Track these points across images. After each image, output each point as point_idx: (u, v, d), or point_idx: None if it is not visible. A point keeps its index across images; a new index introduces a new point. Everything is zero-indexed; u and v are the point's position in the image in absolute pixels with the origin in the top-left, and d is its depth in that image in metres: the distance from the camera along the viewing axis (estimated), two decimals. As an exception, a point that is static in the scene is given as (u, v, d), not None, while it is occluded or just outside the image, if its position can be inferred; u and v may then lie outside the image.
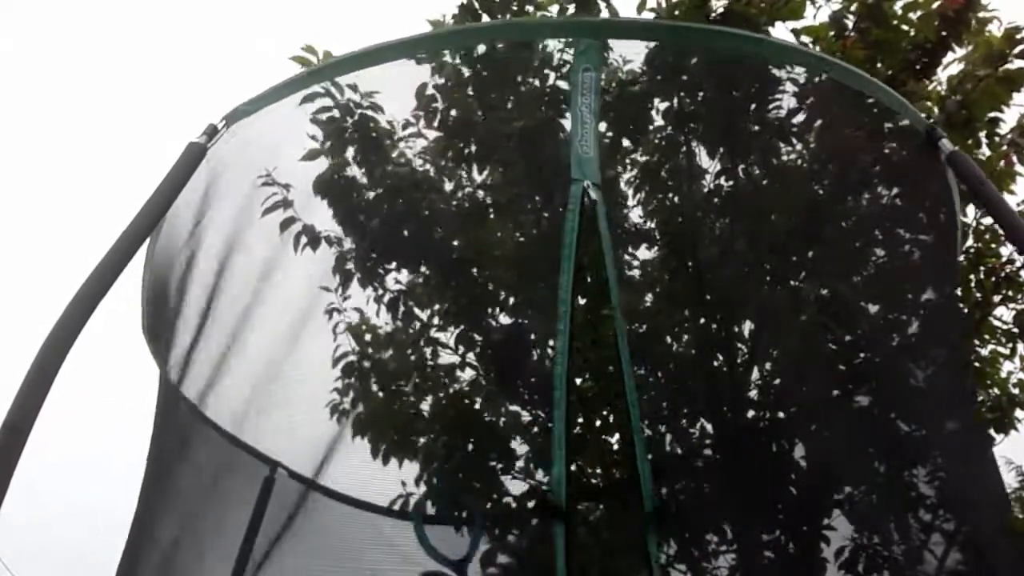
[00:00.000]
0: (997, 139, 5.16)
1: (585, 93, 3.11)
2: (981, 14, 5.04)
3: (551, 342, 2.96)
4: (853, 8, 4.93)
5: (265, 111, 3.01)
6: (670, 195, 5.13)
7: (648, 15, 4.89)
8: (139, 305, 2.79)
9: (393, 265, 4.88)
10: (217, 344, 3.16)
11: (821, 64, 3.73)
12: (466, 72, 4.67)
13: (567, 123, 3.27)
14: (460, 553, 3.57)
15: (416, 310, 4.98)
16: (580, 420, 5.12)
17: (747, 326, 4.95)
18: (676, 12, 4.68)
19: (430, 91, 4.65)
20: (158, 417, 2.89)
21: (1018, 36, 4.78)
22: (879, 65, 4.91)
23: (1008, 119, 5.13)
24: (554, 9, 5.01)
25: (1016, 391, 5.55)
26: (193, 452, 3.24)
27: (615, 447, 5.20)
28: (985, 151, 5.16)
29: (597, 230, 3.00)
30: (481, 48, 4.64)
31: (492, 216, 5.04)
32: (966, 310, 5.45)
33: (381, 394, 4.80)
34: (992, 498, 3.59)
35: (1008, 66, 4.78)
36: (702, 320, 5.04)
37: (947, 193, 3.39)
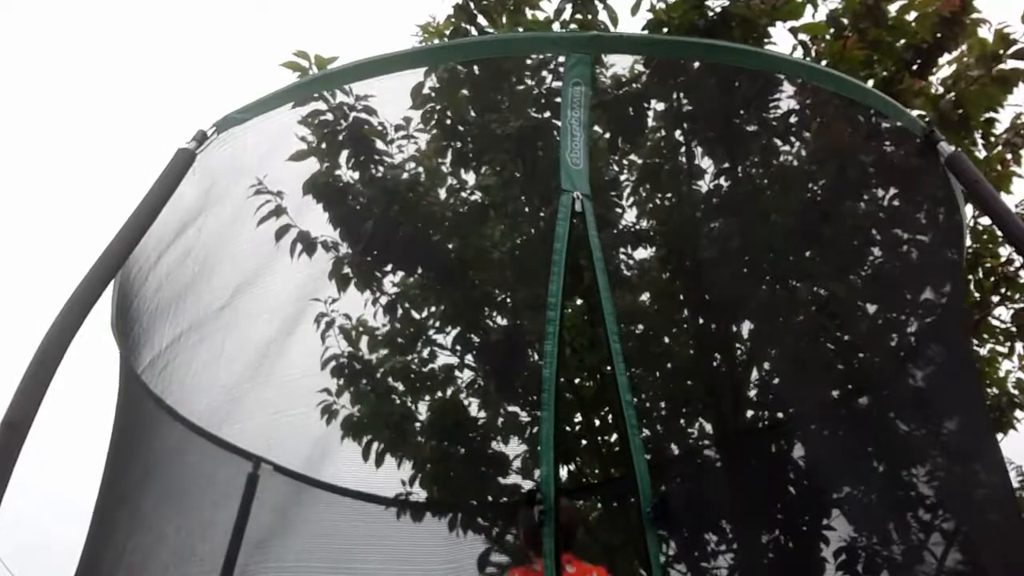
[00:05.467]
0: (993, 139, 5.17)
1: (575, 107, 3.10)
2: (973, 15, 5.05)
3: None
4: (853, 9, 4.94)
5: (258, 123, 3.02)
6: (668, 195, 5.15)
7: (645, 16, 4.89)
8: (110, 301, 2.79)
9: (390, 268, 4.90)
10: (205, 346, 3.16)
11: (814, 76, 3.74)
12: (461, 72, 4.68)
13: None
14: None
15: (413, 312, 5.01)
16: (579, 420, 5.14)
17: (746, 326, 4.97)
18: (673, 14, 4.68)
19: (426, 91, 4.67)
20: (122, 415, 2.86)
21: (1011, 37, 4.80)
22: (877, 66, 4.92)
23: (1003, 119, 5.15)
24: (551, 8, 5.02)
25: (1015, 391, 5.56)
26: (168, 451, 3.22)
27: (615, 447, 5.22)
28: (981, 151, 5.16)
29: (588, 240, 3.00)
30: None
31: (489, 218, 5.06)
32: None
33: (373, 395, 4.82)
34: (997, 497, 3.57)
35: (1002, 66, 4.80)
36: (701, 320, 5.06)
37: (948, 194, 3.39)
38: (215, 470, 3.52)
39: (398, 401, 4.92)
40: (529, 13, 4.97)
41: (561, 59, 3.41)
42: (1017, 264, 5.41)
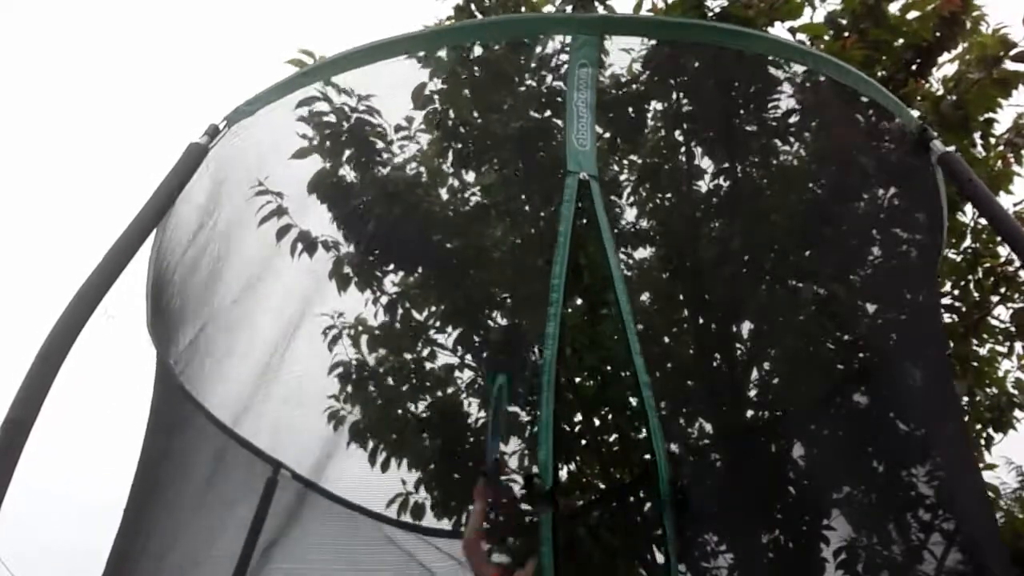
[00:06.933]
0: (992, 140, 5.18)
1: (581, 88, 3.11)
2: (974, 13, 5.07)
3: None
4: (852, 8, 4.95)
5: (265, 116, 3.02)
6: (668, 195, 5.15)
7: (646, 14, 4.90)
8: (144, 300, 2.80)
9: (391, 267, 4.90)
10: (219, 343, 3.17)
11: (818, 62, 3.75)
12: (463, 73, 4.69)
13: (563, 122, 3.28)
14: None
15: (414, 312, 5.01)
16: (579, 420, 5.13)
17: (746, 326, 4.97)
18: (673, 13, 4.69)
19: (428, 91, 4.68)
20: (155, 412, 2.87)
21: (1010, 39, 4.83)
22: (876, 66, 4.94)
23: (1004, 119, 5.17)
24: (550, 9, 5.02)
25: (1015, 391, 5.55)
26: (194, 448, 3.23)
27: (615, 447, 5.22)
28: (980, 151, 5.17)
29: (595, 222, 2.99)
30: (478, 50, 4.65)
31: (490, 217, 5.07)
32: (964, 310, 5.46)
33: (379, 401, 4.82)
34: (974, 501, 3.59)
35: (1003, 68, 4.82)
36: (701, 320, 5.06)
37: (934, 193, 3.39)
38: (238, 471, 3.53)
39: (402, 401, 4.91)
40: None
41: (564, 58, 3.43)
42: (1016, 264, 5.41)
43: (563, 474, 5.16)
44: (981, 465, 5.18)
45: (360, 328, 4.92)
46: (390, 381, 4.95)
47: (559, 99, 4.26)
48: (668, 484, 2.68)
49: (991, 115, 5.01)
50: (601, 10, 4.86)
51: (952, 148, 3.90)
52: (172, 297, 2.92)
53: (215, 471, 3.41)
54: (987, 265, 5.44)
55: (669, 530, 2.70)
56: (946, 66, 5.13)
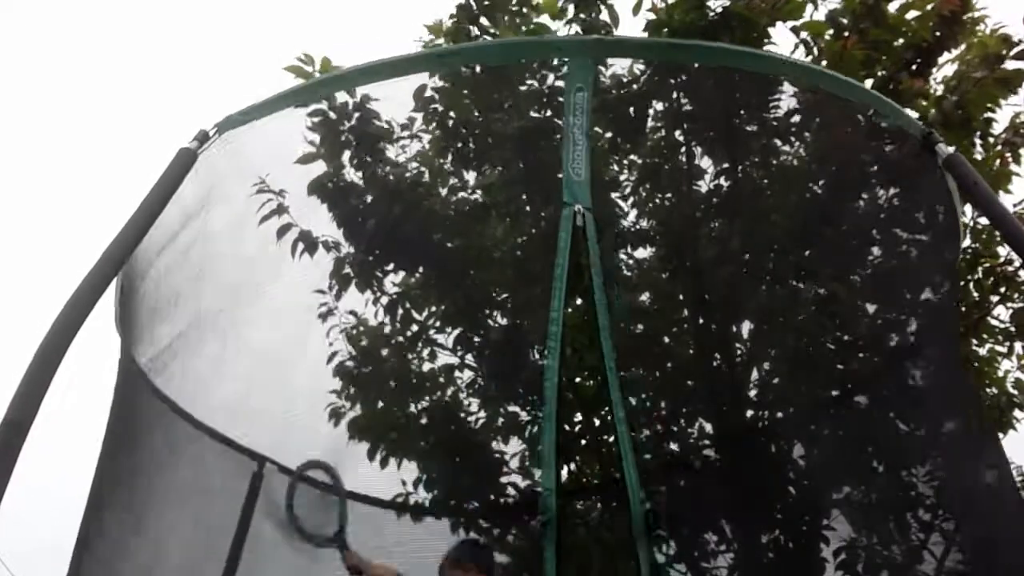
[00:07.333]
0: (992, 139, 5.18)
1: (577, 114, 3.14)
2: (974, 14, 5.07)
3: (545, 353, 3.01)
4: (852, 8, 4.95)
5: (260, 125, 3.03)
6: (668, 195, 5.15)
7: (647, 15, 4.90)
8: (114, 302, 2.80)
9: (391, 267, 4.89)
10: (207, 344, 3.16)
11: (815, 77, 3.76)
12: (465, 72, 4.69)
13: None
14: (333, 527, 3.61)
15: (414, 313, 5.00)
16: (579, 420, 5.13)
17: (746, 326, 4.97)
18: (675, 13, 4.69)
19: (429, 93, 4.67)
20: (121, 410, 2.84)
21: (1014, 39, 4.83)
22: (877, 66, 4.94)
23: (1002, 119, 5.17)
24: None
25: (1015, 391, 5.55)
26: (169, 448, 3.21)
27: (615, 447, 5.21)
28: (980, 150, 5.17)
29: (587, 256, 3.04)
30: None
31: (490, 217, 5.06)
32: (964, 310, 5.45)
33: (379, 401, 4.82)
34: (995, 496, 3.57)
35: (1004, 67, 4.82)
36: (701, 320, 5.06)
37: (945, 193, 3.40)
38: (220, 469, 3.51)
39: (399, 409, 4.91)
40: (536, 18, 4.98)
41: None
42: (1016, 264, 5.40)
43: (563, 474, 5.17)
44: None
45: (361, 328, 4.92)
46: (390, 381, 4.95)
47: (560, 98, 4.26)
48: (639, 503, 2.72)
49: (990, 115, 5.01)
50: (604, 12, 4.86)
51: (953, 148, 3.87)
52: (146, 298, 2.91)
53: (197, 469, 3.40)
54: (987, 265, 5.44)
55: (641, 548, 2.73)
56: (946, 66, 5.14)
